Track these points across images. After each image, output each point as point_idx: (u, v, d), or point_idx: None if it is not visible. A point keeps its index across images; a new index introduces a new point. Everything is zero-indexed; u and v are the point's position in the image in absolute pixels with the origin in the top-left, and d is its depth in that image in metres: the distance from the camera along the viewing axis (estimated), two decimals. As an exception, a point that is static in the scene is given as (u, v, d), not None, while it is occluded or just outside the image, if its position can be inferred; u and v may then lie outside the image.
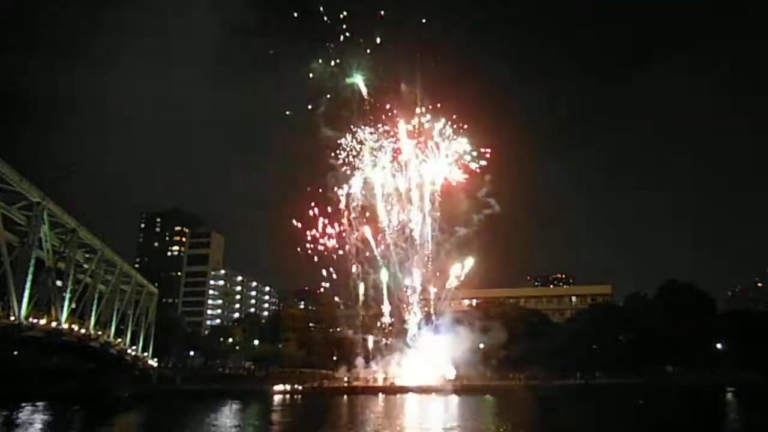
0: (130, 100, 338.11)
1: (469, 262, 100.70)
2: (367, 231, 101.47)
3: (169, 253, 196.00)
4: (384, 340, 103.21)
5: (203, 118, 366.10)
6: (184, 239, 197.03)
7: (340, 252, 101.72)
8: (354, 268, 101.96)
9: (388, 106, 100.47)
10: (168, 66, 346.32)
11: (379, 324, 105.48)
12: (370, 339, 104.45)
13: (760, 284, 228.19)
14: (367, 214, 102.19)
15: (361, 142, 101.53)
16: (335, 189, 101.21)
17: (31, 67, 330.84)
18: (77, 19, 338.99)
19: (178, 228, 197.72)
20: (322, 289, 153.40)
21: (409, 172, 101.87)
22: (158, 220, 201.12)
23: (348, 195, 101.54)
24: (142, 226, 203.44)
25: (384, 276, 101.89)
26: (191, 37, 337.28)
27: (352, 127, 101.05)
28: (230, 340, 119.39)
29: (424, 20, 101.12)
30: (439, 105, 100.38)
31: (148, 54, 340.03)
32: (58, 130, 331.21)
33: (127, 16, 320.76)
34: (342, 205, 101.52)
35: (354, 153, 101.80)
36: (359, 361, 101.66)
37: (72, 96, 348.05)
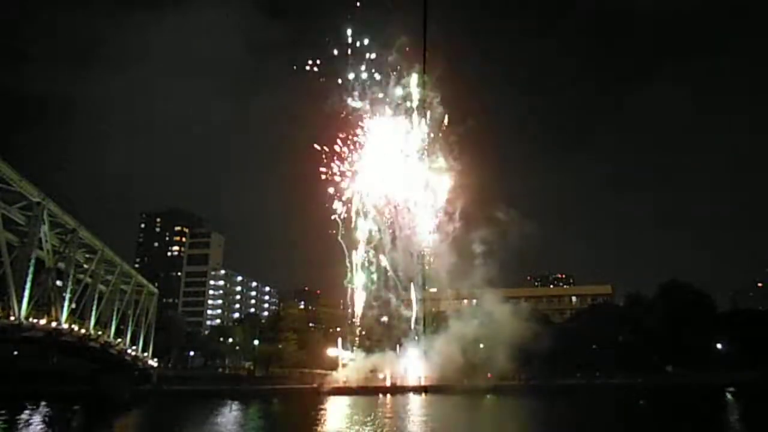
0: (132, 102, 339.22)
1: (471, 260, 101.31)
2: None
3: (169, 253, 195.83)
4: (384, 339, 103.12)
5: (204, 120, 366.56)
6: (184, 239, 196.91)
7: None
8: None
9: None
10: (172, 70, 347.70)
11: (378, 323, 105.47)
12: (369, 338, 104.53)
13: (760, 284, 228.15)
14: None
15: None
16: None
17: (47, 71, 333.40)
18: (97, 25, 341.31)
19: (178, 228, 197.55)
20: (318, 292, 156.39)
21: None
22: (158, 220, 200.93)
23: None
24: (142, 226, 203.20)
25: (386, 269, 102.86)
26: (200, 46, 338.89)
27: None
28: (230, 340, 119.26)
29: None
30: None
31: (156, 60, 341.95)
32: (66, 132, 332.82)
33: (147, 23, 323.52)
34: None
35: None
36: (359, 360, 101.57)
37: (82, 98, 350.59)
